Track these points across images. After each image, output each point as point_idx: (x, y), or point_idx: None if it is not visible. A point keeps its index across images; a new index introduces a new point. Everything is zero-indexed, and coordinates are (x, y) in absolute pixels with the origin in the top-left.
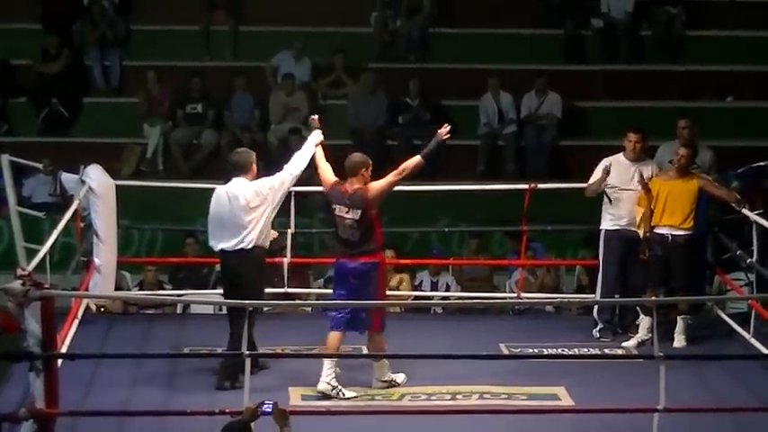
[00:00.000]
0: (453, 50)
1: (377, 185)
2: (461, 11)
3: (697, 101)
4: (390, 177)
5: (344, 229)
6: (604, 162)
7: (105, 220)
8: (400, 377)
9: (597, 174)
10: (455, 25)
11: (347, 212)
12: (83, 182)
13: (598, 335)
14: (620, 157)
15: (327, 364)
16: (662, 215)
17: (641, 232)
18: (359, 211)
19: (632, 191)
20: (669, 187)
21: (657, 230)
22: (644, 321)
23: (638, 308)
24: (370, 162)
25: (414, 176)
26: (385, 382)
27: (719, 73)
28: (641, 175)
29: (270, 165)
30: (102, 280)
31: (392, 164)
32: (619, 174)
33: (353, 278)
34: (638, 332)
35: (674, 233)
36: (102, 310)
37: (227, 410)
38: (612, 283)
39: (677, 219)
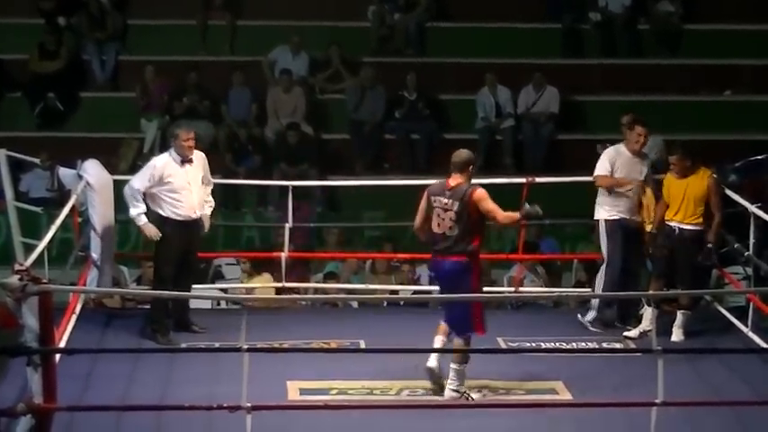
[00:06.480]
0: (451, 45)
1: (485, 196)
2: (459, 5)
3: (695, 95)
4: (495, 207)
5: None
6: (608, 153)
7: (103, 215)
8: (474, 394)
9: (605, 165)
10: (452, 19)
11: (445, 205)
12: (80, 177)
13: (590, 327)
14: (621, 148)
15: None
16: (675, 211)
17: (648, 227)
18: (457, 203)
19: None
20: (680, 184)
21: (667, 224)
22: (647, 312)
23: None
24: (475, 159)
25: (410, 171)
26: (456, 391)
27: (717, 67)
28: (648, 174)
29: (266, 160)
30: (100, 275)
31: (390, 157)
32: (623, 166)
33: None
34: (640, 323)
35: (681, 227)
36: (95, 301)
37: (224, 405)
38: (619, 272)
39: (686, 214)
